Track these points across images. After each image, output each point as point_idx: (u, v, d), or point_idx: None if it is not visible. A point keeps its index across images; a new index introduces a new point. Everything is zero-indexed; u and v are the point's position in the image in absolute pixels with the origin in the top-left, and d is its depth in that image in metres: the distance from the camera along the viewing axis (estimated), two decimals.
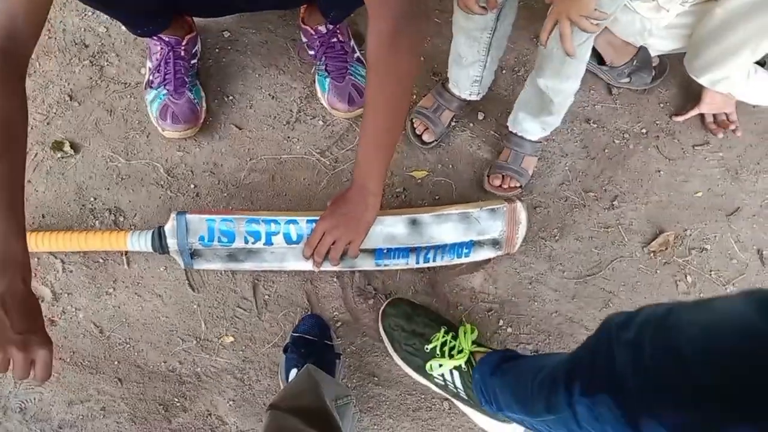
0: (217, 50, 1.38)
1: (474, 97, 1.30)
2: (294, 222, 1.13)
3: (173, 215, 1.12)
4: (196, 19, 1.33)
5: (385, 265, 1.19)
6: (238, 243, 1.13)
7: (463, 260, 1.22)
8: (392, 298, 1.20)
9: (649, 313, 0.61)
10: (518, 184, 1.29)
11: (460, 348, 1.10)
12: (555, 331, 1.24)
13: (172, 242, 1.12)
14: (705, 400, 0.51)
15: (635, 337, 0.59)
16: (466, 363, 1.09)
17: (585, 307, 1.26)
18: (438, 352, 1.11)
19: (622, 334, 0.61)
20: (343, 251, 1.11)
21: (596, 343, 0.68)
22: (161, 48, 1.26)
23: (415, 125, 1.33)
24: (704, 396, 0.51)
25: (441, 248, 1.19)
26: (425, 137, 1.32)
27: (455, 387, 1.10)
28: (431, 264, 1.20)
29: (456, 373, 1.10)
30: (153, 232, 1.13)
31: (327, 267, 1.15)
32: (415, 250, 1.18)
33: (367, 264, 1.18)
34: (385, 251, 1.17)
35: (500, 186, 1.28)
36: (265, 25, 1.41)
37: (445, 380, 1.11)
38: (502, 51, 1.21)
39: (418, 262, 1.19)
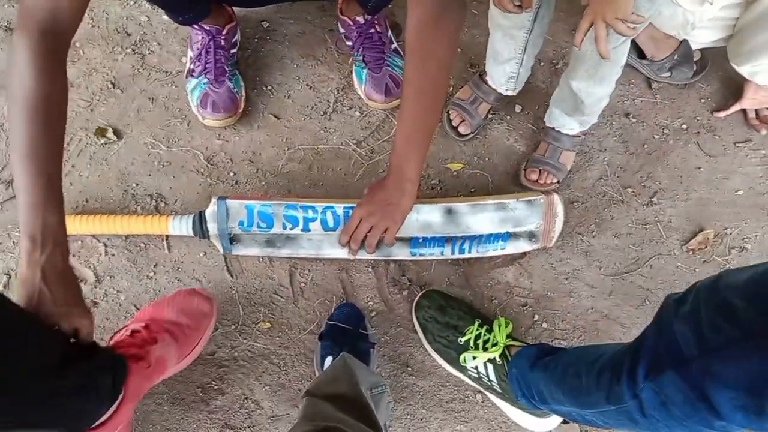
0: (256, 40, 1.39)
1: (510, 93, 1.29)
2: (331, 209, 1.14)
3: (214, 200, 1.14)
4: (235, 9, 1.34)
5: (420, 255, 1.19)
6: (277, 228, 1.14)
7: (499, 252, 1.21)
8: (426, 290, 1.20)
9: (701, 284, 0.65)
10: (555, 180, 1.28)
11: (495, 341, 1.10)
12: (591, 327, 1.23)
13: (212, 226, 1.15)
14: (759, 346, 0.53)
15: (692, 308, 0.62)
16: (500, 356, 1.08)
17: (622, 305, 1.25)
18: (472, 344, 1.11)
19: (681, 308, 0.63)
20: (379, 239, 1.11)
21: (657, 324, 0.69)
22: (202, 37, 1.28)
23: (451, 117, 1.33)
24: (758, 341, 0.53)
25: (477, 239, 1.18)
26: (461, 129, 1.32)
27: (489, 380, 1.10)
28: (466, 255, 1.20)
29: (490, 366, 1.10)
30: (194, 216, 1.16)
31: (362, 255, 1.16)
32: (450, 240, 1.18)
33: (402, 253, 1.18)
34: (420, 240, 1.17)
35: (536, 180, 1.27)
36: (303, 16, 1.41)
37: (479, 373, 1.11)
38: (538, 48, 1.20)
39: (453, 253, 1.19)
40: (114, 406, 0.90)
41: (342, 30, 1.34)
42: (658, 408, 0.65)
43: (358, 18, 1.29)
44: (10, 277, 1.20)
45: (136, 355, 0.97)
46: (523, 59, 1.19)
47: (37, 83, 0.80)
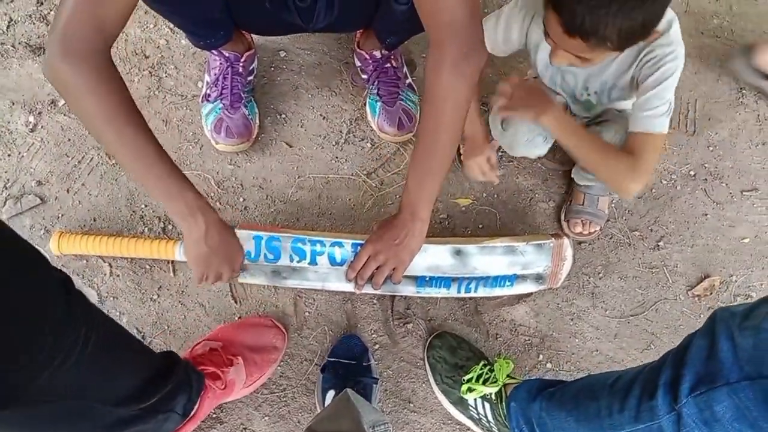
0: (272, 69, 1.41)
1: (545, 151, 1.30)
2: (339, 244, 1.13)
3: None
4: (254, 36, 1.36)
5: (426, 293, 1.19)
6: (284, 260, 1.14)
7: (505, 292, 1.21)
8: (440, 330, 1.20)
9: None
10: (598, 227, 1.29)
11: (494, 380, 1.09)
12: (595, 369, 1.22)
13: None
14: None
15: (762, 324, 0.59)
16: (496, 394, 1.07)
17: (626, 348, 1.24)
18: (474, 382, 1.10)
19: (746, 322, 0.61)
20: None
21: (708, 337, 0.66)
22: (221, 63, 1.29)
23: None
24: None
25: (483, 279, 1.18)
26: None
27: (487, 421, 1.09)
28: (472, 294, 1.20)
29: (487, 405, 1.08)
30: None
31: (368, 290, 1.15)
32: (456, 279, 1.17)
33: (408, 290, 1.17)
34: (427, 279, 1.16)
35: (581, 232, 1.28)
36: (320, 47, 1.44)
37: (478, 413, 1.10)
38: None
39: (459, 292, 1.19)
40: (182, 422, 0.94)
41: (358, 63, 1.36)
42: (699, 425, 0.62)
43: (375, 52, 1.31)
44: None
45: (214, 374, 1.01)
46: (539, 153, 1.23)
47: (114, 98, 0.83)
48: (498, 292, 1.20)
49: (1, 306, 0.53)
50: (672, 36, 0.99)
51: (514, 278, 1.19)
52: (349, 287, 1.15)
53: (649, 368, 0.74)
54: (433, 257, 1.15)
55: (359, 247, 1.11)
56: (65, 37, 0.80)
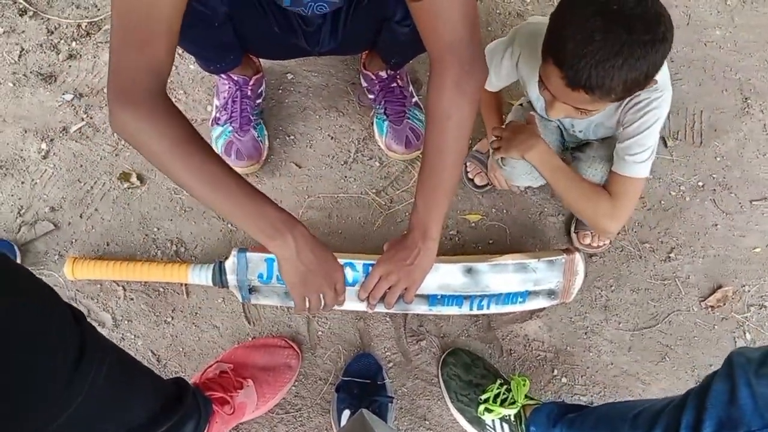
0: (280, 91, 1.43)
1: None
2: (351, 265, 1.12)
3: (234, 252, 1.13)
4: (262, 60, 1.38)
5: (438, 311, 1.18)
6: None
7: (518, 308, 1.21)
8: (453, 347, 1.20)
9: None
10: (608, 240, 1.29)
11: (513, 400, 1.08)
12: (611, 383, 1.21)
13: (231, 278, 1.14)
14: None
15: None
16: (515, 416, 1.07)
17: (641, 360, 1.23)
18: (491, 402, 1.10)
19: (762, 369, 0.61)
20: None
21: (728, 380, 0.66)
22: (229, 87, 1.31)
23: (468, 168, 1.35)
24: None
25: (495, 297, 1.18)
26: (477, 180, 1.34)
27: None
28: (485, 312, 1.20)
29: (506, 426, 1.08)
30: (214, 266, 1.15)
31: (380, 309, 1.15)
32: (468, 297, 1.17)
33: (420, 309, 1.17)
34: (439, 297, 1.16)
35: (590, 244, 1.29)
36: (326, 69, 1.45)
37: None
38: None
39: (471, 309, 1.18)
40: None
41: (364, 83, 1.38)
42: None
43: (380, 72, 1.33)
44: None
45: (222, 399, 1.01)
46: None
47: (180, 135, 0.82)
48: (510, 308, 1.20)
49: (20, 353, 0.53)
50: (660, 81, 0.96)
51: (526, 294, 1.18)
52: (361, 306, 1.16)
53: (672, 407, 0.74)
54: (445, 276, 1.15)
55: (370, 268, 1.11)
56: (121, 86, 0.80)
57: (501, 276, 1.16)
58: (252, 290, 1.15)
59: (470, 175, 1.35)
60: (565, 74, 0.86)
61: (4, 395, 0.52)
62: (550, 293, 1.19)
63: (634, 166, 1.02)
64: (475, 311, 1.19)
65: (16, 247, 1.22)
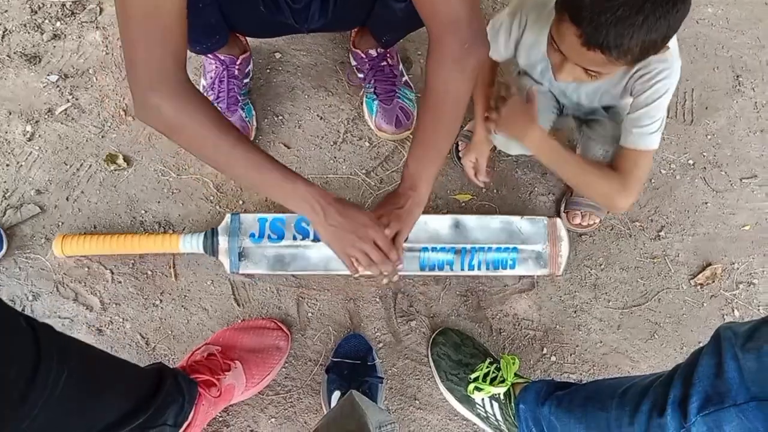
0: (268, 71, 1.41)
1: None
2: None
3: (228, 215, 1.18)
4: (249, 39, 1.36)
5: (430, 269, 1.20)
6: (287, 239, 1.18)
7: (509, 272, 1.22)
8: (443, 327, 1.20)
9: None
10: (598, 219, 1.29)
11: (502, 378, 1.09)
12: (600, 361, 1.22)
13: (223, 239, 1.17)
14: None
15: (763, 346, 0.60)
16: (505, 394, 1.07)
17: (630, 338, 1.24)
18: (481, 381, 1.10)
19: (749, 343, 0.61)
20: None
21: (715, 355, 0.66)
22: (216, 66, 1.29)
23: (459, 148, 1.34)
24: None
25: (485, 252, 1.21)
26: None
27: (496, 419, 1.09)
28: (476, 272, 1.22)
29: (495, 404, 1.08)
30: (206, 232, 1.18)
31: (370, 271, 1.16)
32: (459, 253, 1.20)
33: (411, 268, 1.20)
34: (429, 258, 1.20)
35: (580, 224, 1.28)
36: (315, 48, 1.44)
37: (486, 412, 1.10)
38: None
39: (462, 268, 1.21)
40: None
41: (354, 62, 1.36)
42: None
43: (370, 51, 1.31)
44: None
45: (208, 381, 1.00)
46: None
47: (214, 119, 0.86)
48: (501, 273, 1.22)
49: None
50: (671, 49, 0.95)
51: (515, 258, 1.21)
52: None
53: (659, 383, 0.74)
54: (434, 225, 1.22)
55: None
56: (150, 78, 0.81)
57: (487, 230, 1.22)
58: (241, 256, 1.17)
59: (461, 154, 1.34)
60: (582, 32, 0.83)
61: None
62: (539, 258, 1.21)
63: (645, 138, 1.02)
64: (467, 271, 1.22)
65: (2, 231, 1.20)
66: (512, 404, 1.06)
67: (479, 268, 1.21)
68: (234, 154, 0.88)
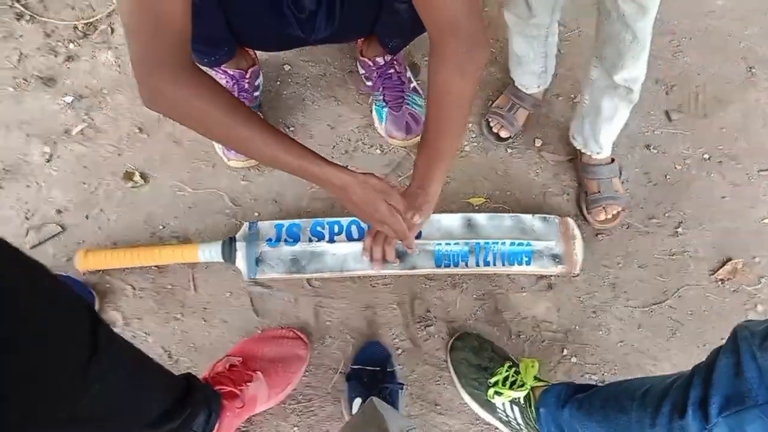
0: (278, 83, 1.42)
1: (544, 86, 1.34)
2: (356, 222, 1.23)
3: (246, 223, 1.23)
4: (258, 53, 1.37)
5: (446, 266, 1.21)
6: (303, 242, 1.21)
7: (525, 269, 1.22)
8: (461, 332, 1.20)
9: None
10: (620, 208, 1.28)
11: (522, 382, 1.08)
12: (621, 361, 1.21)
13: (241, 245, 1.20)
14: None
15: None
16: (525, 398, 1.07)
17: (652, 337, 1.23)
18: (500, 385, 1.10)
19: (766, 343, 0.61)
20: (400, 254, 1.18)
21: (733, 355, 0.66)
22: (226, 81, 1.31)
23: (491, 124, 1.36)
24: None
25: (500, 246, 1.22)
26: (502, 133, 1.36)
27: (518, 424, 1.08)
28: (492, 268, 1.22)
29: (516, 408, 1.08)
30: (224, 240, 1.20)
31: (387, 269, 1.20)
32: (474, 251, 1.21)
33: (427, 265, 1.21)
34: (444, 253, 1.21)
35: (606, 219, 1.28)
36: (323, 58, 1.45)
37: (507, 416, 1.09)
38: (557, 35, 1.25)
39: (478, 264, 1.21)
40: None
41: (362, 71, 1.37)
42: None
43: (378, 59, 1.32)
44: None
45: (231, 393, 1.02)
46: (547, 51, 1.25)
47: (228, 98, 0.88)
48: (517, 269, 1.22)
49: (40, 337, 0.54)
50: None
51: (530, 253, 1.22)
52: (367, 268, 1.20)
53: (678, 384, 0.73)
54: (446, 223, 1.24)
55: None
56: (151, 59, 0.81)
57: (500, 228, 1.24)
58: (259, 261, 1.19)
59: (494, 130, 1.36)
60: None
61: (31, 376, 0.53)
62: (555, 257, 1.21)
63: None
64: (482, 267, 1.22)
65: (92, 289, 1.22)
66: (533, 408, 1.05)
67: (494, 264, 1.22)
68: (248, 130, 0.89)
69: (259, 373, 1.08)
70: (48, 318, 0.56)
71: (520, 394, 1.06)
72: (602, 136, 1.22)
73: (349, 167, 1.00)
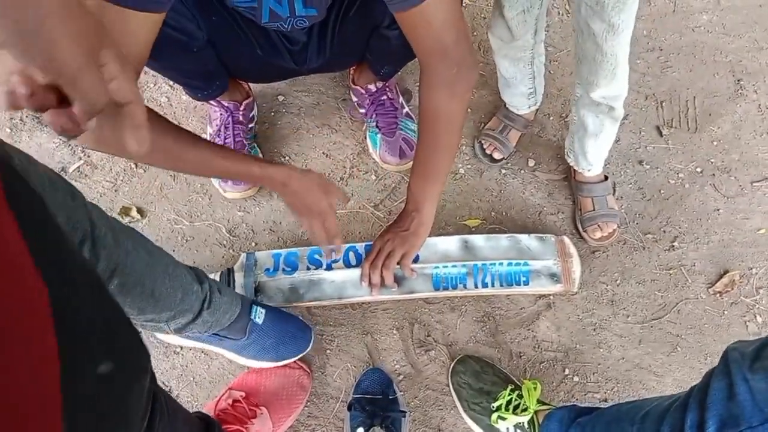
0: (272, 113, 1.44)
1: (534, 107, 1.35)
2: (353, 248, 1.24)
3: (244, 254, 1.23)
4: (252, 84, 1.39)
5: (444, 289, 1.22)
6: (301, 270, 1.21)
7: (523, 289, 1.22)
8: (462, 355, 1.20)
9: None
10: (616, 225, 1.28)
11: (525, 406, 1.08)
12: (623, 378, 1.21)
13: (239, 276, 1.20)
14: None
15: None
16: (528, 422, 1.06)
17: (652, 353, 1.23)
18: (503, 409, 1.09)
19: (756, 364, 0.61)
20: (399, 279, 1.19)
21: (726, 377, 0.66)
22: (221, 114, 1.32)
23: (485, 146, 1.37)
24: None
25: (498, 267, 1.22)
26: (495, 155, 1.37)
27: None
28: (490, 290, 1.22)
29: None
30: (222, 271, 1.21)
31: (385, 294, 1.20)
32: (471, 273, 1.22)
33: (425, 289, 1.21)
34: (442, 276, 1.22)
35: (602, 236, 1.28)
36: (316, 88, 1.47)
37: None
38: (543, 55, 1.26)
39: (476, 286, 1.22)
40: None
41: (355, 98, 1.39)
42: None
43: (370, 86, 1.34)
44: None
45: (237, 431, 1.02)
46: (534, 72, 1.26)
47: (172, 126, 0.90)
48: (515, 289, 1.23)
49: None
50: None
51: (528, 273, 1.22)
52: (366, 293, 1.20)
53: (675, 407, 0.74)
54: (444, 246, 1.24)
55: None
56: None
57: (497, 249, 1.24)
58: (257, 290, 1.20)
59: (488, 151, 1.37)
60: None
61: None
62: (553, 276, 1.22)
63: None
64: (480, 290, 1.22)
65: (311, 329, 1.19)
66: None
67: (493, 285, 1.22)
68: (196, 151, 0.91)
69: (263, 407, 1.08)
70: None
71: (524, 419, 1.06)
72: (590, 153, 1.23)
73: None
